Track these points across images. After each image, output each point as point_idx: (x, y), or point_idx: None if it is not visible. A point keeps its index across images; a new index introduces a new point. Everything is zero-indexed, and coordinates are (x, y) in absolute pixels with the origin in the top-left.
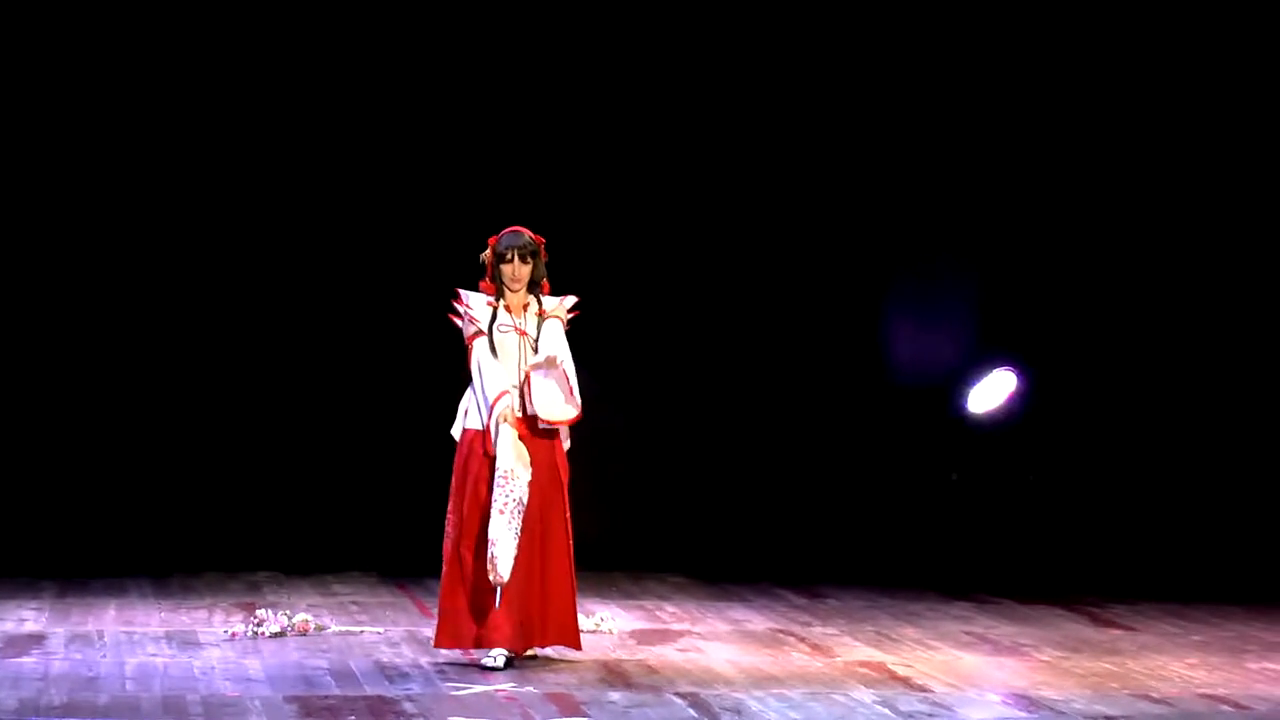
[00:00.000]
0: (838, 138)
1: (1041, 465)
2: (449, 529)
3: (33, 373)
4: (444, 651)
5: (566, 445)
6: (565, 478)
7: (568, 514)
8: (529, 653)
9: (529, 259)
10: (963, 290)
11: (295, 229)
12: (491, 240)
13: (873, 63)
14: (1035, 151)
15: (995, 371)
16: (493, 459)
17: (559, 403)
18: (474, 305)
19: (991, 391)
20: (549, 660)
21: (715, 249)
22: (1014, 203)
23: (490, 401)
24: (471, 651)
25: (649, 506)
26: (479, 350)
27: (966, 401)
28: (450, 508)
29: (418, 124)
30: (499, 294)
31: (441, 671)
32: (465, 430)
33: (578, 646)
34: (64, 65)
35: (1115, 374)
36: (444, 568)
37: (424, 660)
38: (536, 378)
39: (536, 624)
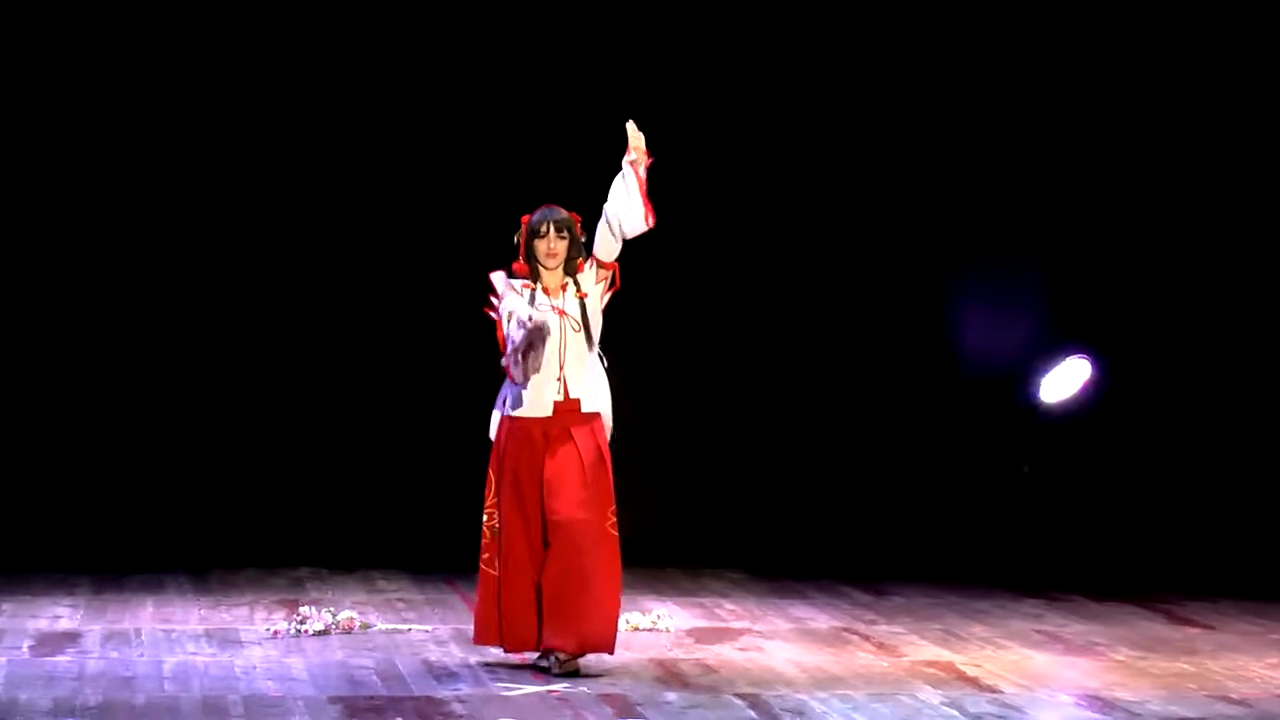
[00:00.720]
0: (901, 120)
1: (1116, 457)
2: (490, 523)
3: (68, 365)
4: (494, 650)
5: (609, 432)
6: (609, 467)
7: (613, 507)
8: (563, 660)
9: (565, 234)
10: (1032, 274)
11: (331, 215)
12: (525, 218)
13: (932, 42)
14: (1108, 125)
15: (1068, 359)
16: (534, 443)
17: (636, 210)
18: (509, 291)
19: (1064, 380)
20: (603, 660)
21: (780, 235)
22: (1087, 180)
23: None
24: (526, 654)
25: (706, 499)
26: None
27: (1038, 391)
28: (489, 503)
29: (446, 104)
30: (534, 275)
31: (492, 671)
32: (503, 418)
33: (610, 650)
34: (64, 65)
35: (1194, 360)
36: (482, 565)
37: (473, 659)
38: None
39: (570, 624)
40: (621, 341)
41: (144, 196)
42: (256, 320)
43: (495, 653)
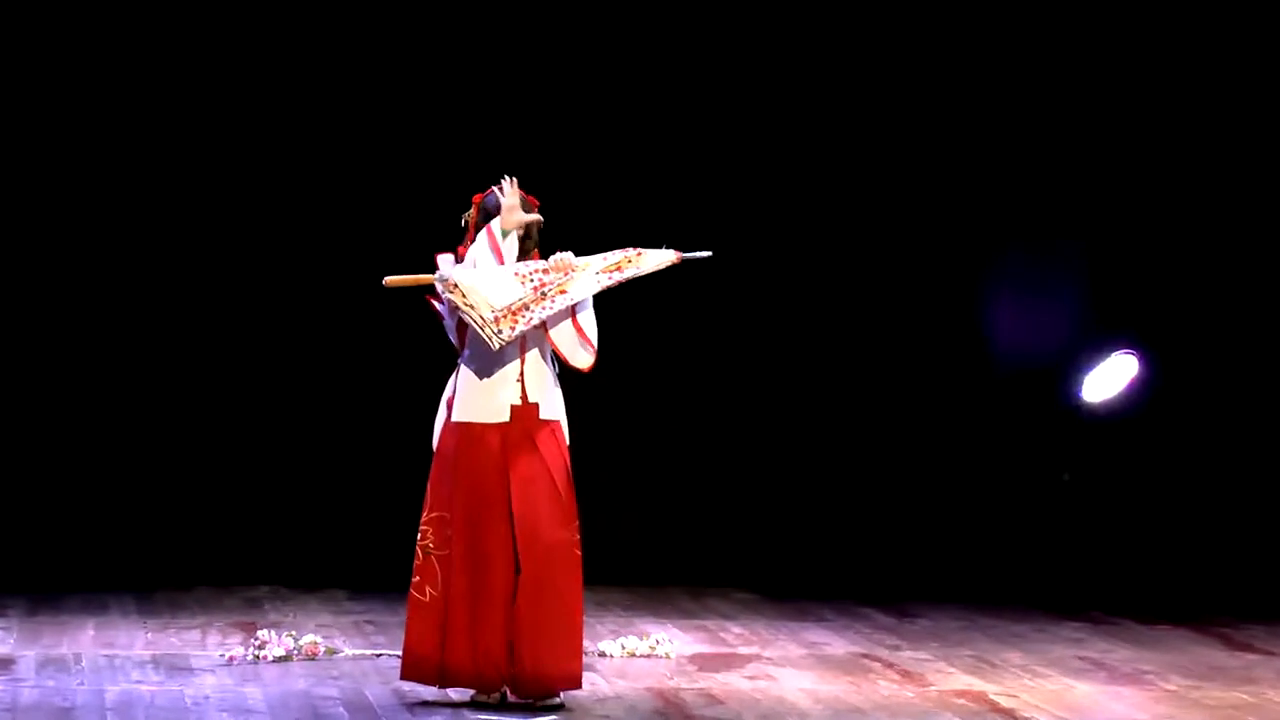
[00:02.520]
0: (934, 103)
1: (1166, 463)
2: (423, 542)
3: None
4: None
5: (566, 439)
6: (569, 478)
7: (575, 521)
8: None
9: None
10: (1073, 261)
11: (280, 235)
12: (477, 197)
13: (967, 23)
14: (1152, 103)
15: (1112, 355)
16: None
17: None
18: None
19: (1109, 378)
20: (594, 688)
21: (796, 223)
22: (1130, 161)
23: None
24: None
25: (711, 510)
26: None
27: (1080, 390)
28: (424, 518)
29: (397, 111)
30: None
31: (472, 700)
32: (449, 422)
33: (578, 685)
34: (64, 65)
35: (1251, 356)
36: (411, 591)
37: (450, 689)
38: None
39: (524, 661)
40: (629, 339)
41: (100, 217)
42: (214, 319)
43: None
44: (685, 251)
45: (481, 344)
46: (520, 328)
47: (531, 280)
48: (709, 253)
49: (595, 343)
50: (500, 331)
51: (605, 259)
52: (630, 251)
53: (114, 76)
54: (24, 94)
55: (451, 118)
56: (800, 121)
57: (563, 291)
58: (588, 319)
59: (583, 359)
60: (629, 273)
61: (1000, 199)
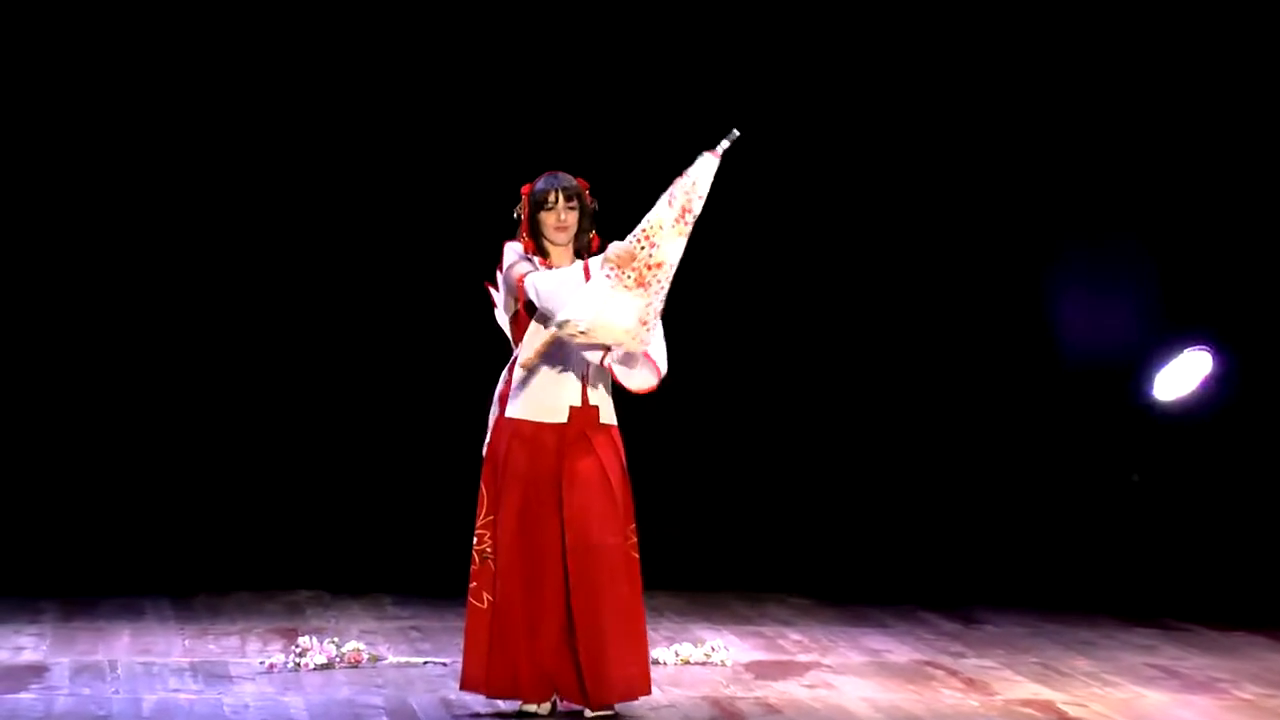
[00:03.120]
0: (1005, 90)
1: (1240, 462)
2: (480, 547)
3: (34, 364)
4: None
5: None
6: (626, 483)
7: (631, 525)
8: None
9: (575, 203)
10: (1145, 253)
11: (324, 227)
12: (525, 188)
13: (1036, 14)
14: (1229, 95)
15: (1185, 351)
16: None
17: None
18: (521, 260)
19: (1181, 375)
20: (648, 697)
21: (852, 212)
22: (1208, 152)
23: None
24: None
25: (768, 514)
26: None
27: (1151, 388)
28: (480, 523)
29: (428, 99)
30: (539, 253)
31: (519, 711)
32: (502, 419)
33: (647, 691)
34: (63, 64)
35: None
36: (469, 598)
37: (500, 699)
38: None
39: (586, 672)
40: (682, 341)
41: (124, 211)
42: (242, 320)
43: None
44: (714, 148)
45: (547, 340)
46: (652, 323)
47: (625, 279)
48: (737, 132)
49: (662, 364)
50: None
51: (656, 214)
52: (676, 185)
53: (129, 72)
54: (37, 94)
55: (476, 113)
56: (866, 112)
57: (658, 265)
58: (656, 337)
59: (640, 381)
60: (682, 199)
61: (1068, 188)
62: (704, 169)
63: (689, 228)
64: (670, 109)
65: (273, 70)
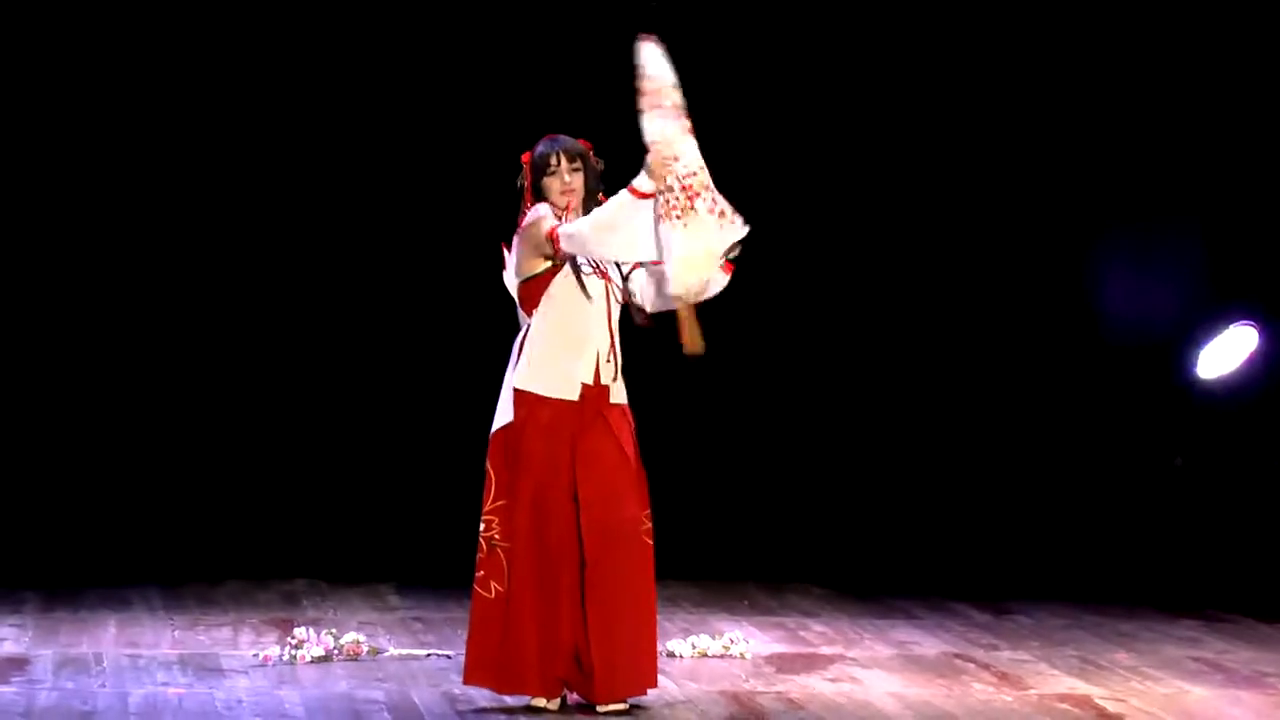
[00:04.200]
0: (1050, 69)
1: None
2: (487, 534)
3: (16, 348)
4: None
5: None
6: (639, 462)
7: (647, 511)
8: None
9: (579, 164)
10: (1188, 227)
11: (325, 219)
12: (526, 155)
13: None
14: (1272, 71)
15: (1231, 327)
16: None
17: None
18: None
19: (1226, 353)
20: (663, 691)
21: (879, 189)
22: (1251, 127)
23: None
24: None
25: (790, 499)
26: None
27: (1194, 366)
28: (488, 506)
29: (429, 81)
30: None
31: (528, 706)
32: (519, 393)
33: (653, 684)
34: (63, 64)
35: None
36: (475, 587)
37: (508, 694)
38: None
39: (595, 663)
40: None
41: (125, 203)
42: (240, 302)
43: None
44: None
45: (566, 304)
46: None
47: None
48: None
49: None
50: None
51: (652, 130)
52: (644, 97)
53: (130, 72)
54: (37, 95)
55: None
56: (907, 88)
57: (691, 174)
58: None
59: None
60: (656, 100)
61: (1112, 163)
62: (647, 55)
63: (686, 119)
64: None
65: (273, 66)
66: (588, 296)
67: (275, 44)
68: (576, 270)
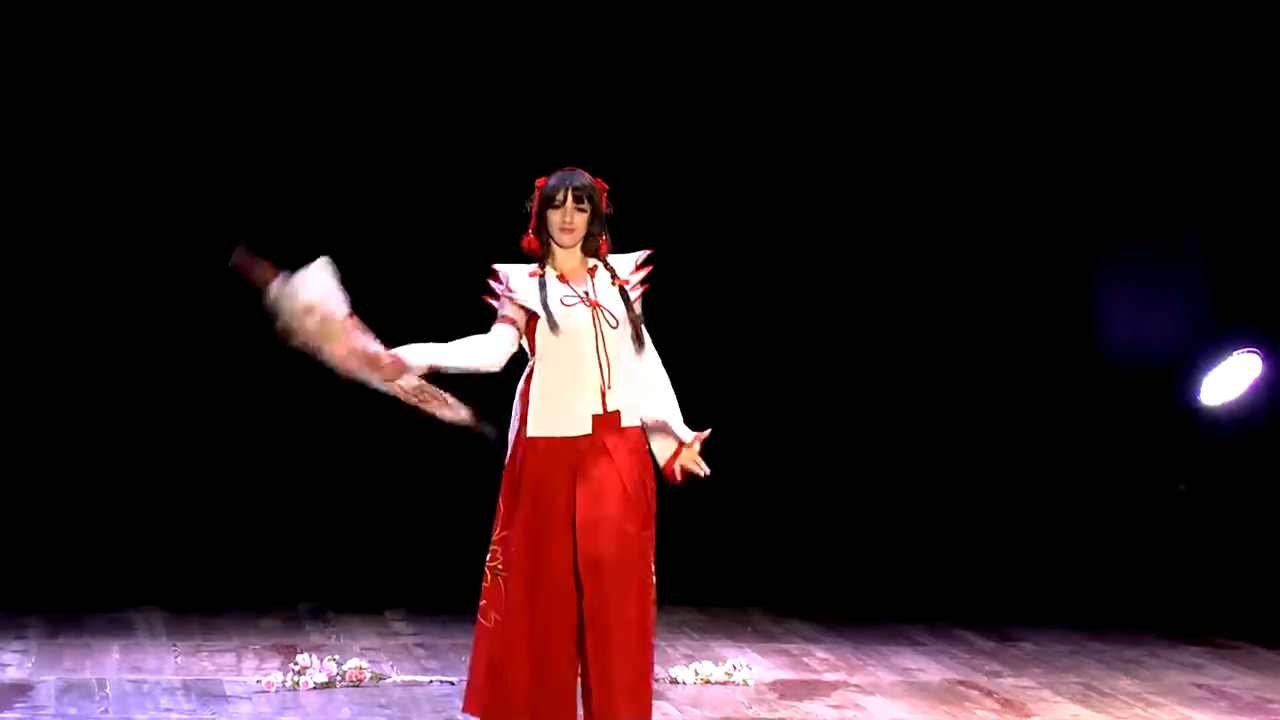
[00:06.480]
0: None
1: None
2: (492, 563)
3: (21, 370)
4: None
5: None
6: (653, 492)
7: (650, 531)
8: None
9: (586, 205)
10: (1192, 252)
11: (319, 235)
12: (540, 181)
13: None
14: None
15: (1234, 354)
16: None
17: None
18: (515, 281)
19: (1229, 379)
20: (665, 718)
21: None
22: (1255, 150)
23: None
24: None
25: (794, 526)
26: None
27: (1198, 392)
28: (495, 536)
29: (436, 100)
30: (545, 252)
31: None
32: (523, 436)
33: (649, 716)
34: (63, 64)
35: None
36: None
37: None
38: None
39: (595, 698)
40: (705, 351)
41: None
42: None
43: None
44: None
45: (559, 345)
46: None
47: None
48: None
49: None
50: None
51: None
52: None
53: (131, 72)
54: (37, 96)
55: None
56: (908, 108)
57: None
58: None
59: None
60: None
61: (1114, 186)
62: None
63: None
64: (704, 109)
65: (275, 75)
66: (575, 332)
67: (278, 51)
68: (549, 314)
